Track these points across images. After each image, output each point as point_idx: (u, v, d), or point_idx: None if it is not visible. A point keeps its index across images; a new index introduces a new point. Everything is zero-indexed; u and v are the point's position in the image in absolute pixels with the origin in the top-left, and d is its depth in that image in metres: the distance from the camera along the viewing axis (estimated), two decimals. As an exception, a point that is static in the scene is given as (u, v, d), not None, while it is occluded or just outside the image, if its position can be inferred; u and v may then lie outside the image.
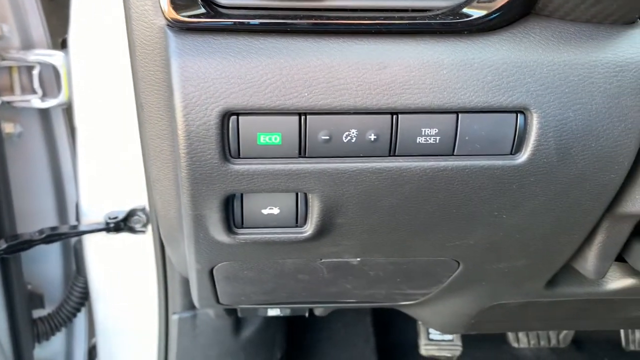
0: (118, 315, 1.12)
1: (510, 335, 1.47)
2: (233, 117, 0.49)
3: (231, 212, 0.55)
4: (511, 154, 0.52)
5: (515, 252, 0.64)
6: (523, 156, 0.52)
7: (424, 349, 1.34)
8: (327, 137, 0.50)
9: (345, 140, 0.50)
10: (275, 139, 0.50)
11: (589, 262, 0.67)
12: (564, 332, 1.48)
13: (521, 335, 1.45)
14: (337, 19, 0.48)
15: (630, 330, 1.55)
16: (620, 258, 0.70)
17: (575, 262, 0.69)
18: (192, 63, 0.47)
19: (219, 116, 0.48)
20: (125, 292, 1.10)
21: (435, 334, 1.34)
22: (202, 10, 0.48)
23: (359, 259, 0.64)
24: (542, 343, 1.46)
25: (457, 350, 1.34)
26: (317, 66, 0.48)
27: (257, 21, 0.48)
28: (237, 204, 0.55)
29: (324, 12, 0.48)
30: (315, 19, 0.48)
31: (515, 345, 1.47)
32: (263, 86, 0.48)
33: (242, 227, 0.57)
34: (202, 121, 0.48)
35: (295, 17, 0.48)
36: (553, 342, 1.47)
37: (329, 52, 0.49)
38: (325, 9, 0.48)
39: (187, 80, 0.47)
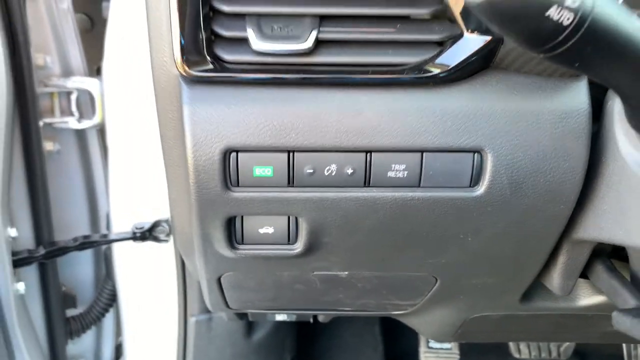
0: (142, 316, 1.23)
1: (512, 346, 1.53)
2: (233, 154, 0.59)
3: (233, 231, 0.65)
4: (470, 186, 0.61)
5: (485, 270, 0.73)
6: (480, 189, 0.61)
7: (424, 357, 1.42)
8: (312, 171, 0.60)
9: (326, 174, 0.60)
10: (268, 171, 0.60)
11: (554, 280, 0.75)
12: (565, 344, 1.53)
13: (522, 346, 1.51)
14: (321, 74, 0.58)
15: (632, 345, 1.59)
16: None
17: (543, 279, 0.77)
18: (200, 109, 0.58)
19: (221, 153, 0.58)
20: (149, 295, 1.20)
21: (434, 343, 1.41)
22: (210, 66, 0.58)
23: (346, 272, 0.74)
24: (543, 355, 1.52)
25: (455, 358, 1.41)
26: (303, 112, 0.58)
27: (255, 75, 0.58)
28: (238, 224, 0.65)
29: (310, 67, 0.58)
30: (304, 74, 0.58)
31: (516, 355, 1.53)
32: (258, 129, 0.58)
33: (243, 244, 0.66)
34: (208, 157, 0.58)
35: (287, 72, 0.58)
36: (554, 354, 1.53)
37: (314, 100, 0.58)
38: (312, 64, 0.58)
39: (196, 124, 0.58)
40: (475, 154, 0.59)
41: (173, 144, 0.65)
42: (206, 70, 0.57)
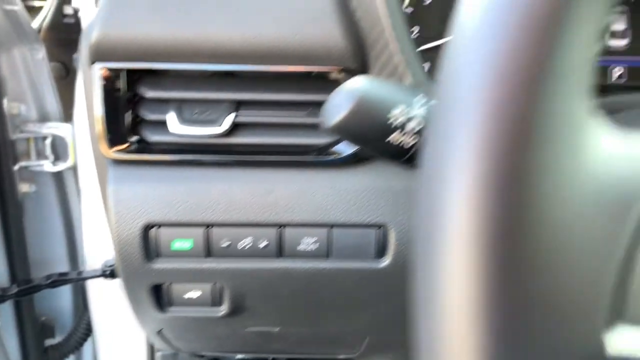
0: (115, 348, 1.28)
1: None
2: (153, 229, 0.63)
3: (161, 295, 0.70)
4: (376, 258, 0.65)
5: (405, 328, 0.76)
6: (386, 261, 0.65)
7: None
8: (228, 244, 0.64)
9: (240, 248, 0.64)
10: (187, 244, 0.64)
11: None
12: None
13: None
14: (236, 154, 0.63)
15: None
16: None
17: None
18: (123, 188, 0.62)
19: (142, 228, 0.63)
20: (120, 328, 1.25)
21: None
22: (134, 147, 0.63)
23: (278, 329, 0.78)
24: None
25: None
26: (219, 191, 0.63)
27: (174, 157, 0.63)
28: (165, 288, 0.69)
29: (226, 147, 0.63)
30: (220, 155, 0.63)
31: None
32: (176, 206, 0.63)
33: (172, 306, 0.71)
34: (130, 232, 0.63)
35: (204, 153, 0.63)
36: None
37: (229, 179, 0.63)
38: (228, 145, 0.63)
39: (119, 202, 0.62)
40: (379, 229, 0.63)
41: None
42: (128, 152, 0.62)
